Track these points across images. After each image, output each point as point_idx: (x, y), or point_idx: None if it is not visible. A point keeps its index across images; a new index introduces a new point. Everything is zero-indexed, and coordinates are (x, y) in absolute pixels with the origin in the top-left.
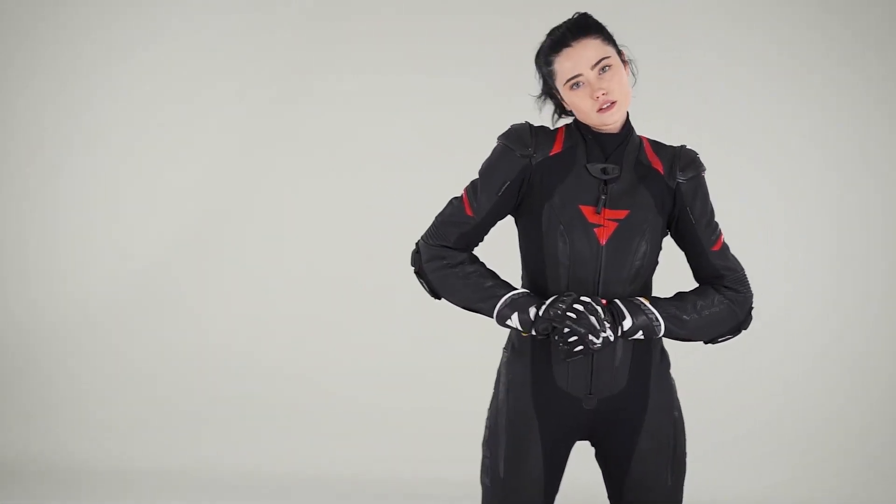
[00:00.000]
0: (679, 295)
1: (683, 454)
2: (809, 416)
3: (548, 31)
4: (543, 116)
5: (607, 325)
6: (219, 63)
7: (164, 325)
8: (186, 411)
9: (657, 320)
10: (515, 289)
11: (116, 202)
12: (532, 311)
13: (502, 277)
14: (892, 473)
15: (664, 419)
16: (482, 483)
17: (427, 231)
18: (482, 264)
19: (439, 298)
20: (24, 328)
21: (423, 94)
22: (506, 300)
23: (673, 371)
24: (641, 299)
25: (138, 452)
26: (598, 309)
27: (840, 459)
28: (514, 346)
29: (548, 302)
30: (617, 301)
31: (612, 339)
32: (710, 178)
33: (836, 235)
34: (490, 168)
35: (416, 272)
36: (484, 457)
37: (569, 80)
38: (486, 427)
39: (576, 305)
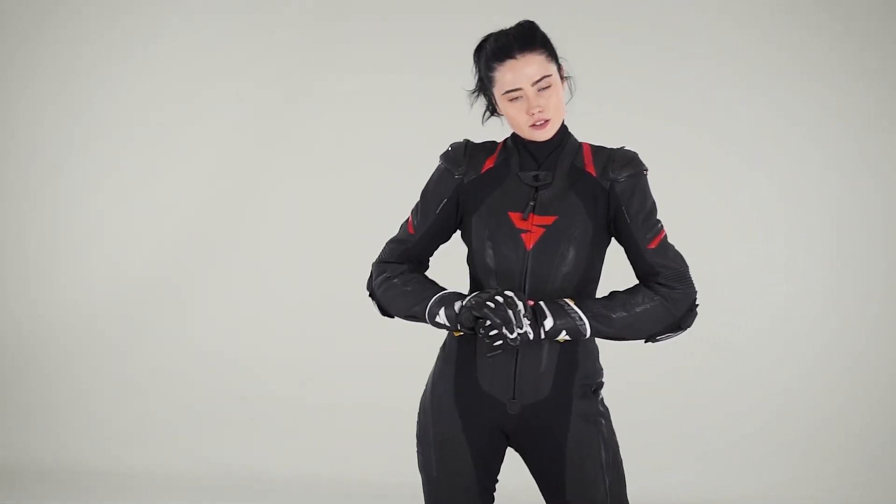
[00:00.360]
0: (610, 294)
1: (618, 461)
2: (809, 416)
3: (495, 34)
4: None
5: (526, 321)
6: (218, 63)
7: (164, 326)
8: (186, 412)
9: (581, 320)
10: (446, 289)
11: (116, 202)
12: (457, 304)
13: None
14: (892, 473)
15: (590, 428)
16: (421, 476)
17: (379, 253)
18: (423, 275)
19: (391, 317)
20: (24, 328)
21: (423, 94)
22: (436, 298)
23: (672, 372)
24: (567, 300)
25: (138, 452)
26: (520, 304)
27: (840, 459)
28: (444, 346)
29: (472, 294)
30: (540, 302)
31: (531, 336)
32: (711, 177)
33: (836, 235)
34: (429, 188)
35: (369, 294)
36: (418, 453)
37: (508, 92)
38: (417, 423)
39: (497, 297)
